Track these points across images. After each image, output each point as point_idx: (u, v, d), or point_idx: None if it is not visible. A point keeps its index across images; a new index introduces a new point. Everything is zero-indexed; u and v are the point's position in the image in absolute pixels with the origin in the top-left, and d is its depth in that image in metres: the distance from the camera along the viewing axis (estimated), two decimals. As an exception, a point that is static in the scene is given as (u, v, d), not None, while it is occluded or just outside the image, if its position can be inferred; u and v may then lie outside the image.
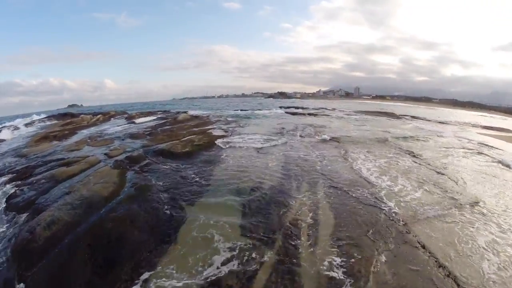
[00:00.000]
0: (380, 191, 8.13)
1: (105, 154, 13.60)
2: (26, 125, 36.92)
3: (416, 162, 11.71)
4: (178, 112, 36.52)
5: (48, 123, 37.60)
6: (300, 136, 16.74)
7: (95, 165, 11.98)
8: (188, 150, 12.61)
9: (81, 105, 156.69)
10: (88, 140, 18.46)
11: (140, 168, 10.89)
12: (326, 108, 48.34)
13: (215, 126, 20.53)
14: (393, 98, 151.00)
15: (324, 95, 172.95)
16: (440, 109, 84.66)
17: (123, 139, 17.28)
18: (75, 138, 20.41)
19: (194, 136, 16.14)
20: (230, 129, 19.46)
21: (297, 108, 49.73)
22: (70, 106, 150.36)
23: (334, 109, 49.17)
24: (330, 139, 15.16)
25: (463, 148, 15.52)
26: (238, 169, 9.99)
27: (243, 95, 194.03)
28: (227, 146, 13.31)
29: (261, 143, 13.79)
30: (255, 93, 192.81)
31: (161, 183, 9.07)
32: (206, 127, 19.95)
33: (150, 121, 27.28)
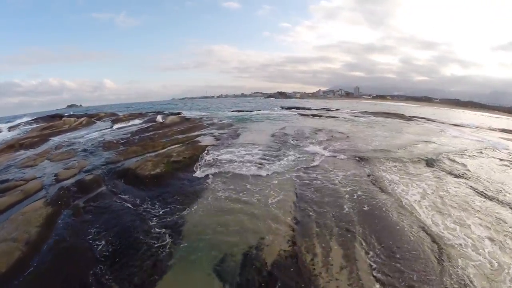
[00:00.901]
0: (466, 268, 4.59)
1: (55, 175, 10.11)
2: (10, 128, 33.75)
3: (473, 190, 8.21)
4: (170, 114, 32.94)
5: (34, 125, 34.03)
6: (311, 145, 13.19)
7: (32, 195, 8.53)
8: (159, 172, 9.00)
9: (80, 105, 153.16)
10: (52, 151, 15.01)
11: (85, 203, 7.36)
12: (329, 109, 44.78)
13: (205, 132, 16.97)
14: (394, 98, 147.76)
15: (324, 95, 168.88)
16: (444, 110, 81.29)
17: (91, 151, 13.71)
18: (41, 148, 16.90)
19: (176, 147, 12.59)
20: (224, 135, 15.88)
21: (298, 108, 46.15)
22: (69, 106, 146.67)
23: (337, 109, 45.68)
24: (351, 154, 11.61)
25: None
26: (224, 213, 6.36)
27: (243, 95, 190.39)
28: (212, 169, 9.45)
29: (261, 161, 10.15)
30: (254, 93, 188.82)
31: (101, 241, 5.52)
32: (194, 133, 16.40)
33: (135, 124, 23.67)
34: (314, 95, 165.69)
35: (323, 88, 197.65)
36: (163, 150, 11.89)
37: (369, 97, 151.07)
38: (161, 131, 17.51)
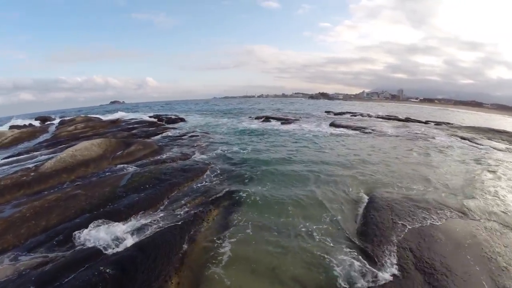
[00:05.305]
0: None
1: None
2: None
3: None
4: (171, 118, 18.75)
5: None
6: None
7: None
8: None
9: (123, 102, 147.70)
10: None
11: None
12: (409, 119, 26.89)
13: None
14: (441, 101, 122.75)
15: (368, 96, 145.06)
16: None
17: None
18: None
19: None
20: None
21: (354, 115, 29.32)
22: (112, 102, 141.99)
23: (407, 119, 27.41)
24: None
25: None
26: None
27: (283, 95, 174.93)
28: None
29: None
30: (295, 93, 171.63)
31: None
32: None
33: (44, 155, 9.77)
34: (357, 97, 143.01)
35: (366, 90, 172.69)
36: None
37: (416, 100, 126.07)
38: None
